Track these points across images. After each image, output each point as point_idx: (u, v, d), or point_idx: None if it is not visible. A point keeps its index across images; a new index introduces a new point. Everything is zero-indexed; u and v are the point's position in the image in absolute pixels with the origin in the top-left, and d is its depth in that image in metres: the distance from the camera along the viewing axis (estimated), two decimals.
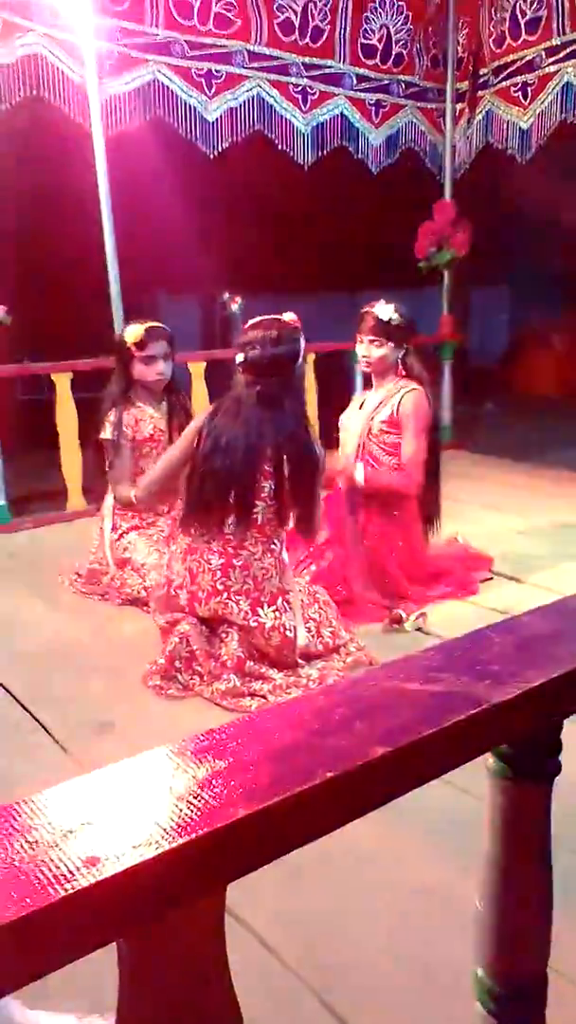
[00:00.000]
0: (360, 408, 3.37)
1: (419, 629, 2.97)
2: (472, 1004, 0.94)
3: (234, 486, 2.52)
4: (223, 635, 2.59)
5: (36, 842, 0.53)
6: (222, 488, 2.53)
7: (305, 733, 0.68)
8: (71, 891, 0.49)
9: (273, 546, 2.62)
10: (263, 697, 2.50)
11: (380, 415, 3.24)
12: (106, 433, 3.33)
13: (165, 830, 0.54)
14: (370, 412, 3.28)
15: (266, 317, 2.67)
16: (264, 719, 0.71)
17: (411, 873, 1.74)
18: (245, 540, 2.56)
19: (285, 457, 2.53)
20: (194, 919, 0.58)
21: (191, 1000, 0.62)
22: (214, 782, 0.60)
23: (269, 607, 2.57)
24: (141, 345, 3.30)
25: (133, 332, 3.31)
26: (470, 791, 1.85)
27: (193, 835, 0.54)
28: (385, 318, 3.17)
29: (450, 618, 3.04)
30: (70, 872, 0.50)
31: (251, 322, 2.68)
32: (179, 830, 0.55)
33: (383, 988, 1.45)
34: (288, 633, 2.57)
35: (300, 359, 2.64)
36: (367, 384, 3.49)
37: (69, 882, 0.49)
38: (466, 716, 0.70)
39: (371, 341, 3.22)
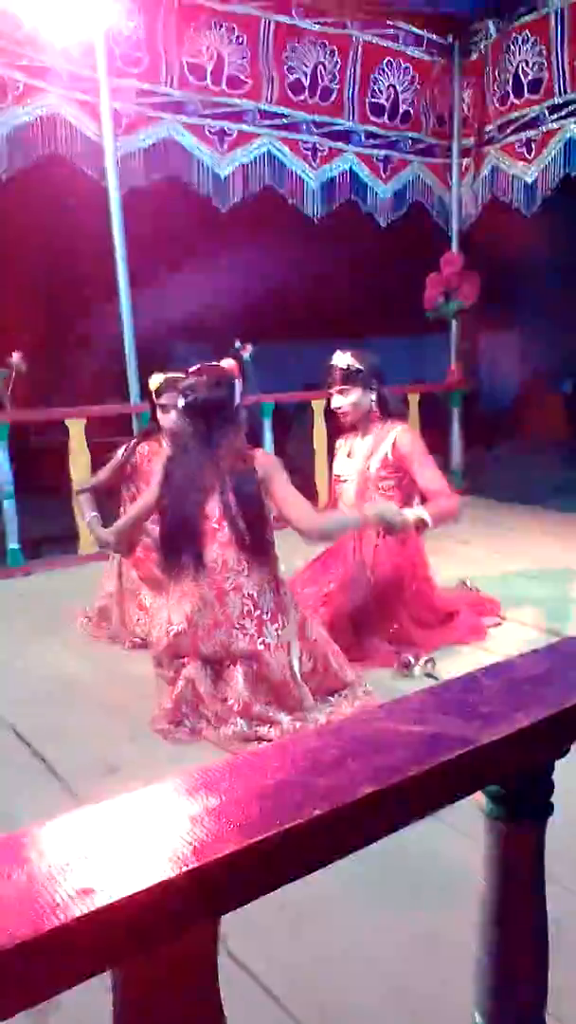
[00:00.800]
0: (349, 456, 3.38)
1: (429, 675, 2.97)
2: None
3: (184, 523, 2.63)
4: (229, 677, 2.60)
5: (33, 873, 0.55)
6: (177, 526, 2.64)
7: (297, 772, 0.70)
8: (64, 920, 0.51)
9: (261, 561, 2.65)
10: (270, 741, 2.50)
11: (374, 462, 3.26)
12: (93, 479, 3.46)
13: (159, 863, 0.57)
14: (364, 461, 3.29)
15: (205, 363, 2.81)
16: (258, 758, 0.74)
17: (413, 915, 1.73)
18: (230, 563, 2.61)
19: (229, 490, 2.62)
20: (187, 949, 0.60)
21: None
22: (207, 818, 0.63)
23: (272, 625, 2.60)
24: (158, 393, 3.40)
25: (155, 380, 3.43)
26: (470, 835, 1.84)
27: (186, 867, 0.56)
28: (344, 365, 3.22)
29: (459, 663, 3.04)
30: (63, 902, 0.52)
31: (191, 368, 2.81)
32: (173, 863, 0.57)
33: None
34: (287, 653, 2.60)
35: (236, 402, 2.74)
36: (341, 431, 3.50)
37: (63, 911, 0.51)
38: (455, 756, 0.72)
39: (339, 391, 3.26)
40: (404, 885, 1.80)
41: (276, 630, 2.60)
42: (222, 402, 2.70)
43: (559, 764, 0.87)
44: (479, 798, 0.87)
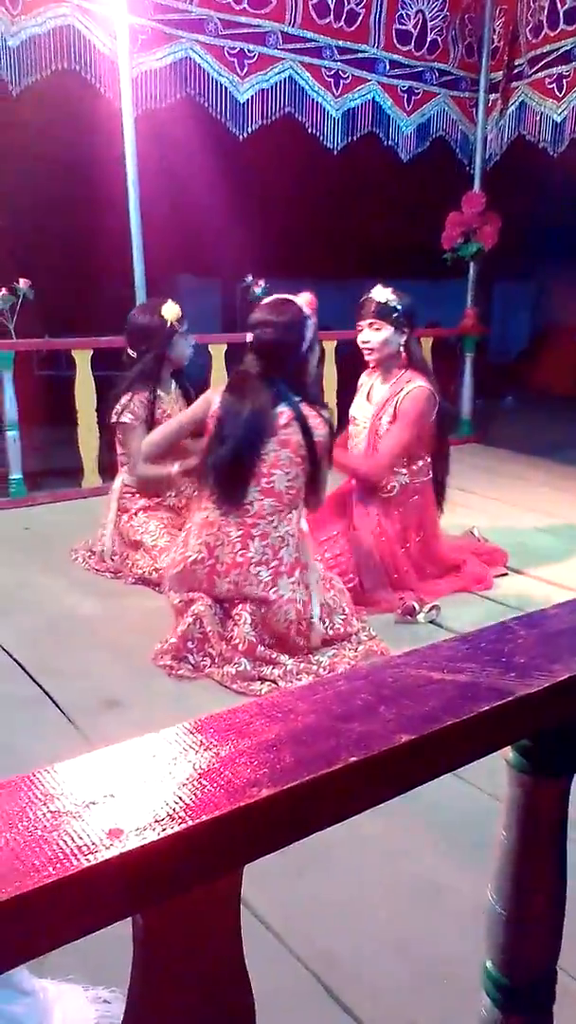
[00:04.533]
0: (368, 400, 3.32)
1: (432, 622, 2.96)
2: (476, 996, 0.93)
3: (239, 460, 2.56)
4: (237, 617, 2.59)
5: (58, 812, 0.52)
6: (230, 460, 2.57)
7: (328, 716, 0.67)
8: (94, 863, 0.48)
9: (290, 515, 2.63)
10: (273, 682, 2.50)
11: (385, 415, 3.20)
12: (125, 417, 3.32)
13: (188, 806, 0.54)
14: (377, 411, 3.23)
15: (279, 297, 2.68)
16: (286, 700, 0.71)
17: (416, 865, 1.74)
18: (264, 511, 2.57)
19: (288, 433, 2.56)
20: (212, 897, 0.58)
21: (205, 977, 0.61)
22: (237, 761, 0.60)
23: (288, 578, 2.59)
24: (182, 320, 3.31)
25: (172, 310, 3.31)
26: (477, 784, 1.84)
27: (216, 813, 0.54)
28: (383, 300, 3.13)
29: (463, 612, 3.03)
30: (93, 844, 0.49)
31: (264, 301, 2.69)
32: (202, 807, 0.54)
33: (386, 977, 1.46)
34: (300, 607, 2.58)
35: (308, 342, 2.64)
36: (359, 371, 3.43)
37: (92, 853, 0.48)
38: (492, 707, 0.69)
39: (371, 325, 3.16)
40: (408, 834, 1.81)
41: (291, 583, 2.58)
42: (292, 344, 2.59)
43: None
44: (505, 750, 0.84)
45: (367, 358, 3.25)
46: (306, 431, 2.57)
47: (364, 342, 3.20)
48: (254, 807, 0.55)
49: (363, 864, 1.73)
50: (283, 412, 2.57)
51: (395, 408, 3.18)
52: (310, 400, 2.65)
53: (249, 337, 2.64)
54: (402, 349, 3.20)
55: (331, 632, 2.68)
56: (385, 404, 3.22)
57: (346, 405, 3.48)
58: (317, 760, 0.60)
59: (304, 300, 2.65)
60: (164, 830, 0.51)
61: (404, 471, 3.20)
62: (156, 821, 0.52)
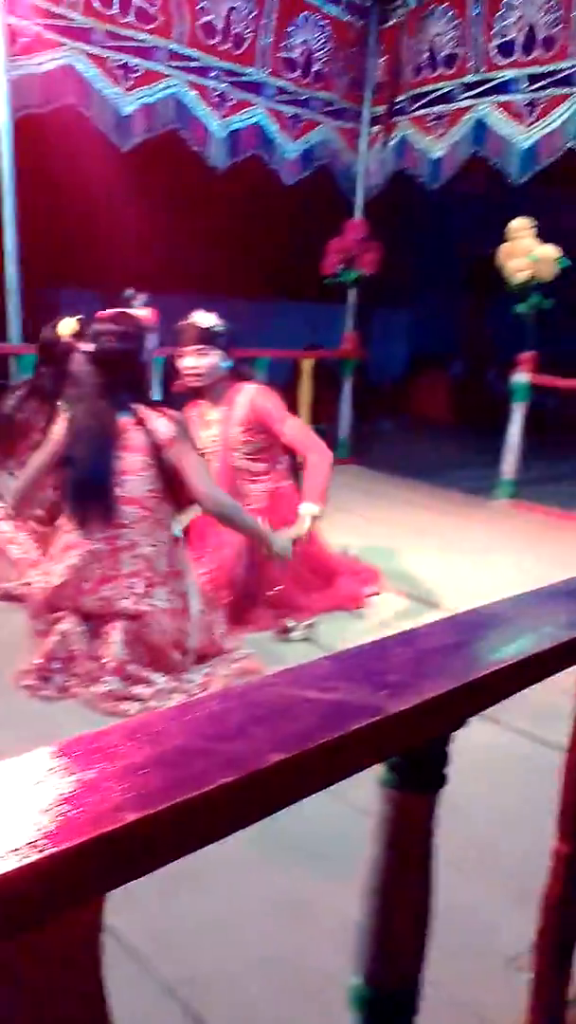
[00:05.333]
0: (209, 428, 3.23)
1: (307, 639, 2.99)
2: (344, 1013, 0.94)
3: (92, 477, 2.53)
4: (106, 635, 2.52)
5: None
6: (83, 479, 2.54)
7: (200, 738, 0.66)
8: None
9: (160, 520, 2.59)
10: (143, 701, 2.44)
11: (234, 427, 3.18)
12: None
13: (50, 832, 0.51)
14: (224, 429, 3.19)
15: (117, 310, 2.69)
16: (156, 721, 0.69)
17: (287, 882, 1.74)
18: (128, 520, 2.53)
19: (132, 446, 2.55)
20: (73, 929, 0.55)
21: (63, 1014, 0.58)
22: (103, 784, 0.57)
23: (163, 588, 2.55)
24: (80, 336, 3.22)
25: (69, 325, 3.23)
26: (347, 799, 1.86)
27: (80, 839, 0.51)
28: (207, 325, 3.10)
29: (338, 630, 3.07)
30: None
31: (101, 314, 2.67)
32: (65, 833, 0.51)
33: (257, 997, 1.44)
34: (177, 617, 2.55)
35: (146, 352, 2.66)
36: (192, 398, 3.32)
37: None
38: (364, 725, 0.70)
39: (196, 351, 3.10)
40: (279, 851, 1.80)
41: (167, 593, 2.55)
42: (130, 353, 2.59)
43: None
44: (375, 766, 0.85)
45: (192, 384, 3.17)
46: (147, 432, 2.55)
47: (190, 368, 3.13)
48: (120, 832, 0.53)
49: (234, 882, 1.71)
50: (123, 419, 2.56)
51: (245, 416, 3.16)
52: (151, 404, 2.63)
53: (86, 348, 2.62)
54: (227, 372, 3.19)
55: (203, 639, 2.66)
56: (227, 420, 3.19)
57: None
58: (187, 782, 0.58)
59: (143, 314, 2.68)
60: (22, 859, 0.48)
61: (266, 477, 3.21)
62: (13, 850, 0.49)
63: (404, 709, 0.73)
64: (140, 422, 2.56)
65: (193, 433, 2.67)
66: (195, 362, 3.12)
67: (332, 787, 0.70)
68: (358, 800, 1.80)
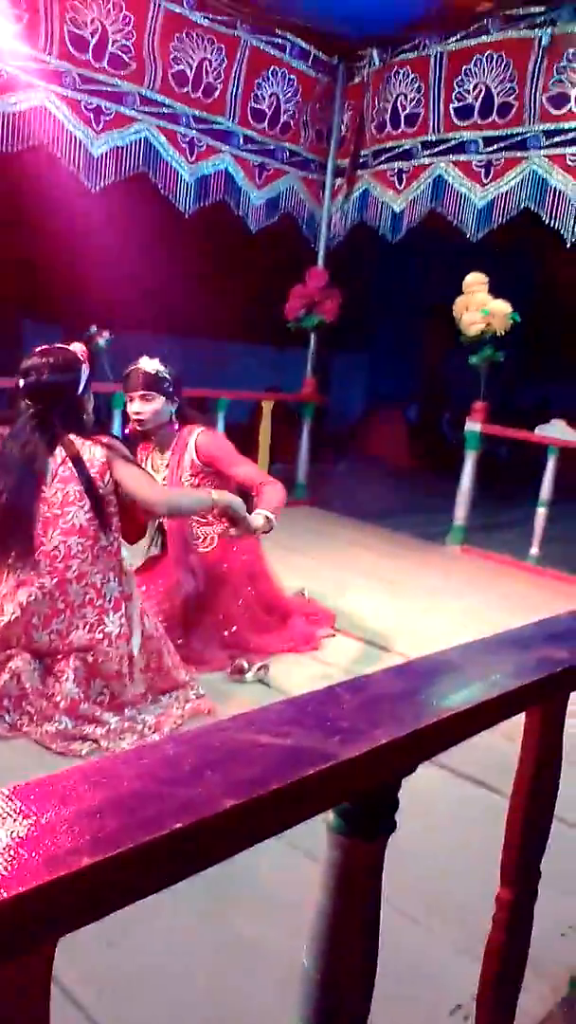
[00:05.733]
0: (158, 472, 3.26)
1: (261, 681, 2.99)
2: None
3: (15, 508, 2.51)
4: (59, 673, 2.50)
5: None
6: (7, 510, 2.51)
7: (154, 781, 0.67)
8: None
9: (106, 547, 2.58)
10: (95, 741, 2.42)
11: (183, 471, 3.21)
12: None
13: (3, 876, 0.52)
14: (172, 472, 3.22)
15: (52, 345, 2.70)
16: (111, 765, 0.70)
17: (234, 928, 1.72)
18: (73, 551, 2.52)
19: (71, 476, 2.54)
20: (23, 974, 0.55)
21: None
22: (58, 828, 0.58)
23: (115, 613, 2.55)
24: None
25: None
26: (295, 844, 1.86)
27: (34, 883, 0.52)
28: (153, 371, 3.15)
29: (292, 671, 3.08)
30: None
31: (36, 349, 2.69)
32: (18, 878, 0.52)
33: None
34: (126, 642, 2.54)
35: (82, 385, 2.65)
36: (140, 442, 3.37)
37: None
38: (316, 771, 0.71)
39: (142, 397, 3.15)
40: (226, 896, 1.78)
41: (119, 618, 2.55)
42: (65, 386, 2.60)
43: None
44: (325, 812, 0.86)
45: (139, 428, 3.22)
46: (82, 463, 2.55)
47: (136, 413, 3.18)
48: (75, 876, 0.54)
49: (179, 928, 1.69)
50: (57, 454, 2.55)
51: (192, 460, 3.19)
52: (83, 434, 2.62)
53: (21, 382, 2.60)
54: (174, 416, 3.23)
55: (159, 680, 2.65)
56: (180, 463, 3.22)
57: None
58: (142, 826, 0.60)
59: (78, 348, 2.70)
60: None
61: (217, 521, 3.19)
62: None
63: (356, 755, 0.75)
64: (76, 453, 2.56)
65: (125, 450, 2.66)
66: (140, 407, 3.17)
67: (285, 834, 0.71)
68: (305, 843, 1.81)
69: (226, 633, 3.19)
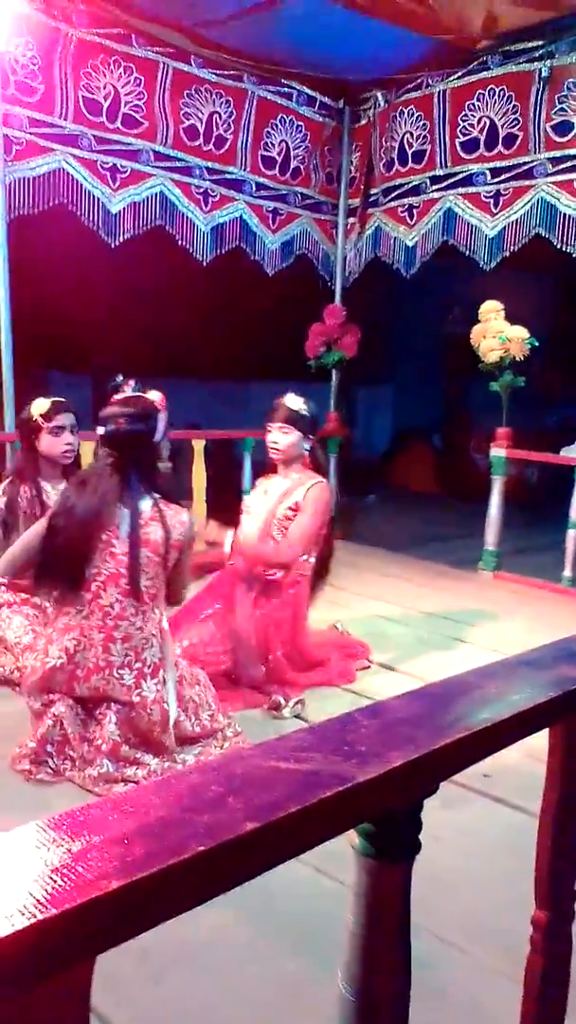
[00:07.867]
0: (265, 494, 3.50)
1: (298, 716, 3.00)
2: None
3: (72, 550, 2.55)
4: (100, 717, 2.54)
5: None
6: (63, 551, 2.56)
7: (179, 809, 0.71)
8: None
9: (153, 615, 2.63)
10: (136, 783, 2.45)
11: (286, 503, 3.39)
12: None
13: (38, 901, 0.56)
14: (277, 499, 3.42)
15: (131, 394, 2.77)
16: (139, 795, 0.74)
17: (277, 964, 1.73)
18: (126, 612, 2.56)
19: (137, 534, 2.57)
20: (62, 991, 0.59)
21: None
22: (89, 855, 0.62)
23: (152, 679, 2.57)
24: (48, 416, 3.33)
25: (39, 404, 3.36)
26: (333, 876, 1.87)
27: (67, 906, 0.56)
28: (295, 408, 3.40)
29: (328, 705, 3.09)
30: None
31: (115, 398, 2.76)
32: (53, 901, 0.56)
33: None
34: (164, 707, 2.56)
35: (160, 434, 2.71)
36: (263, 471, 3.64)
37: None
38: (333, 793, 0.75)
39: (280, 428, 3.41)
40: (268, 934, 1.80)
41: (155, 684, 2.57)
42: (143, 434, 2.64)
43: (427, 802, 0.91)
44: (351, 836, 0.89)
45: (274, 457, 3.47)
46: (166, 528, 2.60)
47: (273, 443, 3.44)
48: (104, 899, 0.58)
49: (223, 966, 1.70)
50: (144, 510, 2.59)
51: (297, 501, 3.37)
52: (166, 496, 2.69)
53: (100, 431, 2.67)
54: (306, 453, 3.44)
55: (197, 728, 2.67)
56: (285, 495, 3.41)
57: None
58: (166, 851, 0.63)
59: (155, 397, 2.78)
60: (13, 925, 0.53)
61: None
62: (5, 916, 0.54)
63: (371, 777, 0.78)
64: (160, 513, 2.61)
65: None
66: (277, 437, 3.42)
67: (320, 864, 0.74)
68: (345, 876, 1.81)
69: (267, 665, 3.23)
